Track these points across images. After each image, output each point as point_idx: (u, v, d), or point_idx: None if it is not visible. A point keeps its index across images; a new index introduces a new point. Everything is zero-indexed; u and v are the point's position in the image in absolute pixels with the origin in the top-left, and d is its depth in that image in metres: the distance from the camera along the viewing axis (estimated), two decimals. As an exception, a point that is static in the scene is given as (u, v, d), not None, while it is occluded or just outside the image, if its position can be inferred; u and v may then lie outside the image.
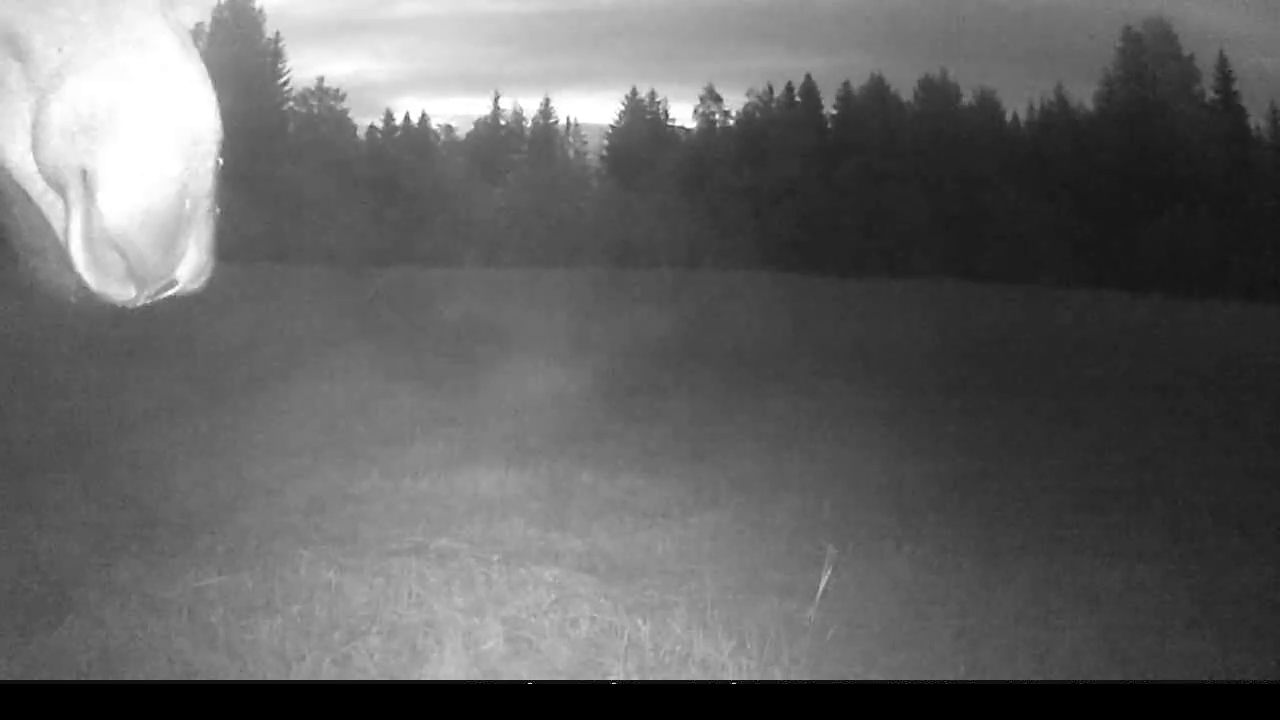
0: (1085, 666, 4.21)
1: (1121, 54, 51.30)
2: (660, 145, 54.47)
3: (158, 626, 4.21)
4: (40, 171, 0.92)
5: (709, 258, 42.09)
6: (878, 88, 55.09)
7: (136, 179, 0.89)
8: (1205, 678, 4.16)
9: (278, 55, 53.74)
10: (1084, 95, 53.36)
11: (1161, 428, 10.15)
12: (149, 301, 0.97)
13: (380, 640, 4.12)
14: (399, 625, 4.26)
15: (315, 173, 43.24)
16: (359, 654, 4.03)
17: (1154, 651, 4.36)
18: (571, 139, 58.52)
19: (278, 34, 53.71)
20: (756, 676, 3.96)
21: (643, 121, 57.14)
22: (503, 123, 57.84)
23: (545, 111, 57.79)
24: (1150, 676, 4.15)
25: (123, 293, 0.95)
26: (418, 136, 56.78)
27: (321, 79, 55.02)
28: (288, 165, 44.05)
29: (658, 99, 57.60)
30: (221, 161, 0.94)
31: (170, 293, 0.99)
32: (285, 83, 53.78)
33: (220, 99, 0.96)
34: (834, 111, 55.78)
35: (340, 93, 55.08)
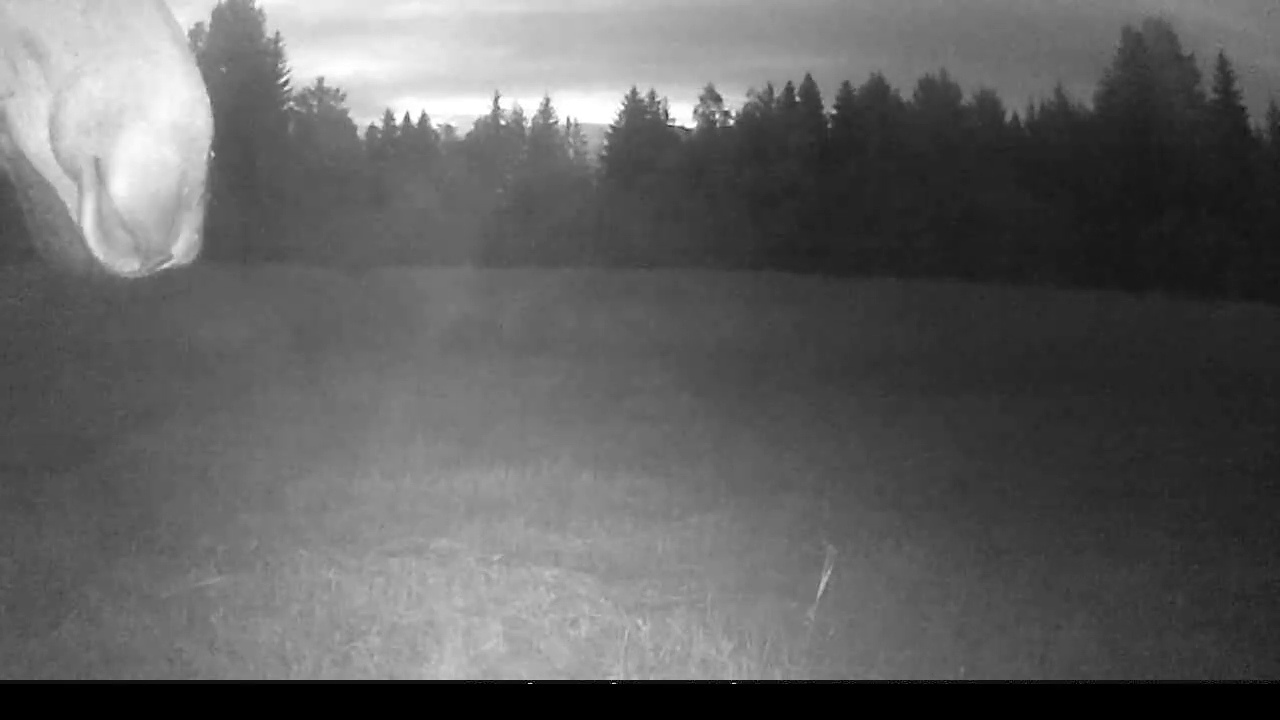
0: (1085, 666, 4.21)
1: (1121, 54, 51.28)
2: (660, 145, 54.44)
3: (158, 626, 4.21)
4: (57, 160, 1.06)
5: (709, 258, 42.07)
6: (878, 88, 55.07)
7: (143, 168, 1.03)
8: (1205, 678, 4.16)
9: (278, 55, 53.74)
10: (1084, 95, 53.37)
11: (1162, 428, 10.15)
12: (147, 274, 1.11)
13: (380, 640, 4.12)
14: (399, 625, 4.26)
15: (315, 173, 43.25)
16: (359, 654, 4.03)
17: (1154, 651, 4.36)
18: (571, 139, 58.52)
19: (278, 34, 53.71)
20: (756, 676, 3.96)
21: (643, 121, 57.11)
22: (503, 123, 57.83)
23: (545, 111, 57.79)
24: (1150, 676, 4.15)
25: (128, 265, 1.08)
26: (418, 136, 56.77)
27: (321, 79, 55.04)
28: (287, 165, 44.06)
29: (658, 99, 57.60)
30: (213, 154, 1.09)
31: (166, 266, 1.13)
32: (285, 83, 53.79)
33: (220, 99, 1.10)
34: (834, 111, 55.78)
35: (340, 93, 55.08)
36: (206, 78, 1.10)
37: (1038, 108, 53.70)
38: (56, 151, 1.05)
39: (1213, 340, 21.77)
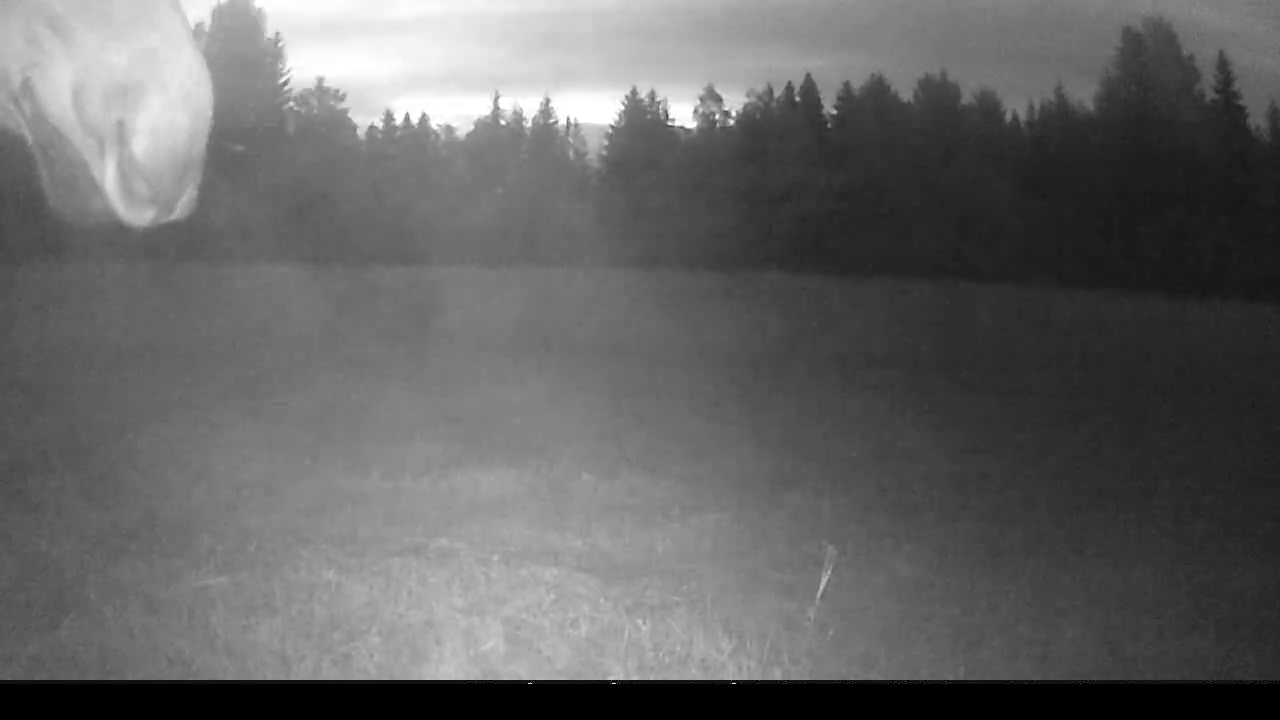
0: (1085, 666, 4.20)
1: (1121, 54, 51.26)
2: (660, 145, 54.41)
3: (158, 626, 4.20)
4: (81, 124, 1.22)
5: (709, 258, 42.04)
6: (878, 88, 55.05)
7: (160, 131, 1.21)
8: (1205, 678, 4.15)
9: (278, 55, 53.71)
10: (1084, 95, 53.33)
11: (1162, 428, 10.15)
12: (153, 224, 1.28)
13: (380, 640, 4.12)
14: (399, 625, 4.26)
15: (315, 173, 43.23)
16: (359, 654, 4.03)
17: (1154, 651, 4.36)
18: (571, 139, 58.47)
19: (278, 34, 53.68)
20: (756, 676, 3.96)
21: (643, 121, 57.08)
22: (503, 123, 57.78)
23: (545, 111, 57.73)
24: (1150, 676, 4.14)
25: (144, 215, 1.26)
26: (418, 136, 56.74)
27: (321, 79, 55.00)
28: (287, 165, 44.06)
29: (658, 99, 57.52)
30: (213, 120, 1.27)
31: (170, 218, 1.30)
32: (285, 83, 53.76)
33: (220, 99, 1.27)
34: (834, 111, 55.77)
35: (340, 93, 55.01)
36: None
37: (1038, 108, 53.71)
38: (82, 117, 1.21)
39: (1213, 340, 21.77)
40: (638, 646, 4.12)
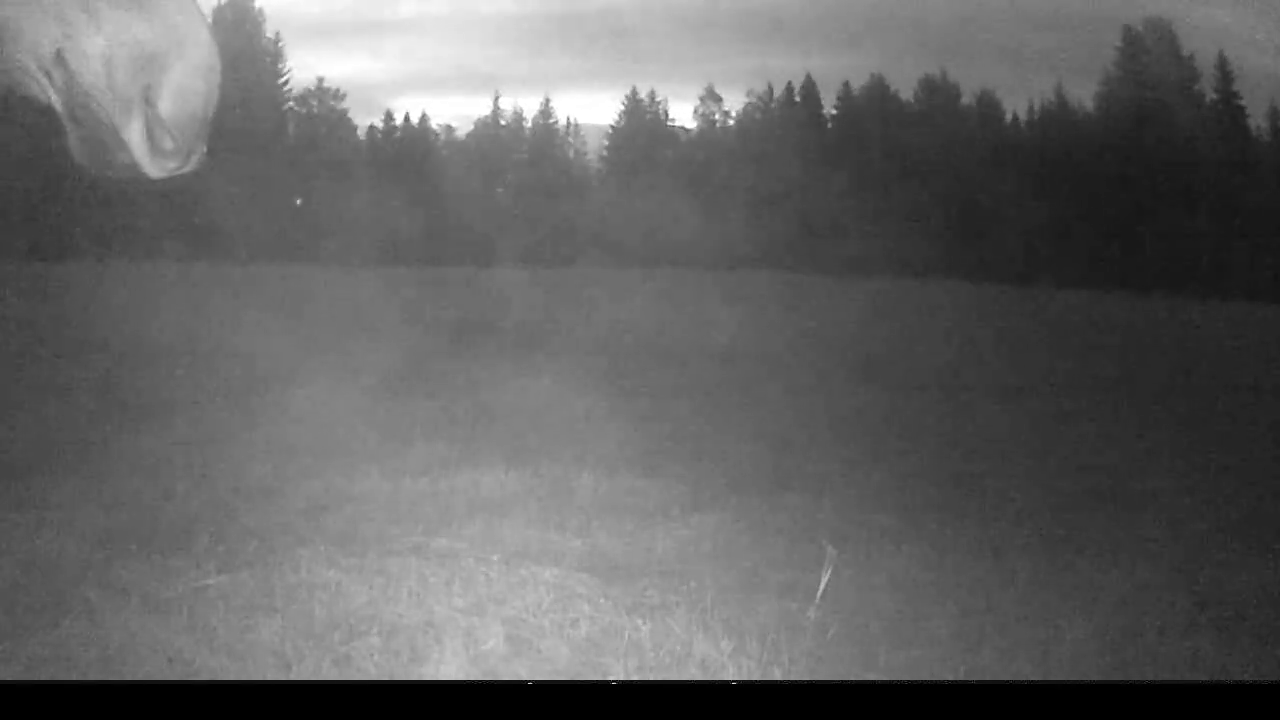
0: (1085, 666, 4.20)
1: (1121, 54, 51.28)
2: (660, 145, 54.45)
3: (158, 626, 4.20)
4: (111, 89, 1.44)
5: (709, 258, 42.04)
6: (878, 88, 55.08)
7: (182, 94, 1.45)
8: (1205, 678, 4.16)
9: (278, 55, 53.73)
10: (1084, 95, 53.38)
11: (1162, 428, 10.16)
12: (172, 174, 1.51)
13: (380, 640, 4.12)
14: (399, 625, 4.26)
15: (315, 173, 43.25)
16: (359, 654, 4.03)
17: (1154, 651, 4.36)
18: (571, 139, 58.50)
19: (278, 34, 53.72)
20: (756, 676, 3.96)
21: (643, 121, 57.10)
22: (503, 123, 57.81)
23: (545, 111, 57.78)
24: (1150, 676, 4.14)
25: (165, 167, 1.49)
26: (418, 136, 56.74)
27: (321, 79, 55.03)
28: (287, 165, 44.05)
29: (658, 99, 57.59)
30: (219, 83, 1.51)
31: (184, 170, 1.52)
32: (285, 83, 53.78)
33: (220, 99, 1.51)
34: (834, 111, 55.78)
35: (340, 93, 55.07)
36: None
37: (1038, 108, 53.75)
38: (112, 83, 1.43)
39: (1213, 340, 21.78)
40: (638, 646, 4.12)
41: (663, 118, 57.92)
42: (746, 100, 56.98)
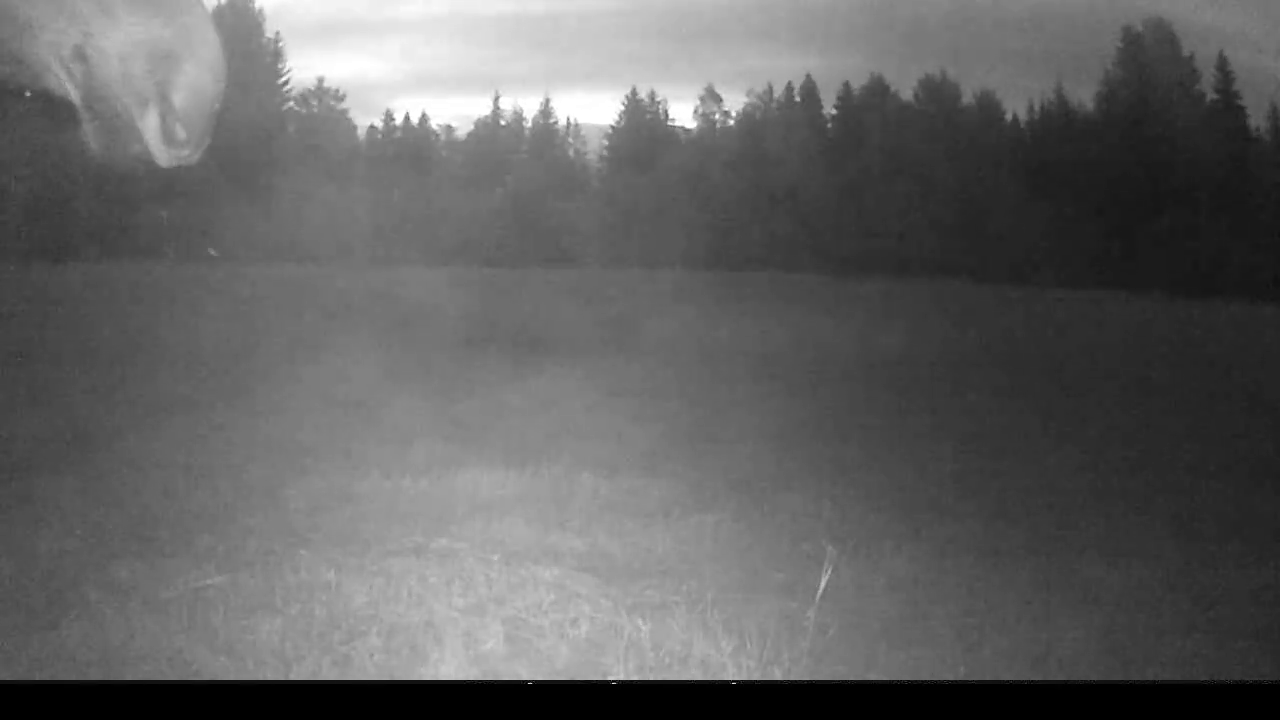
0: (1085, 666, 4.20)
1: (1121, 54, 51.29)
2: (660, 145, 54.44)
3: (158, 626, 4.20)
4: (128, 84, 1.56)
5: (709, 258, 42.05)
6: (878, 88, 55.10)
7: (194, 90, 1.57)
8: (1205, 678, 4.16)
9: (278, 55, 53.75)
10: (1084, 95, 53.39)
11: (1162, 428, 10.16)
12: (178, 164, 1.62)
13: (380, 640, 4.12)
14: (399, 625, 4.25)
15: (315, 173, 43.25)
16: (359, 654, 4.03)
17: (1154, 651, 4.36)
18: (571, 139, 58.51)
19: (278, 34, 53.75)
20: (756, 676, 3.96)
21: (643, 121, 57.13)
22: (503, 123, 57.83)
23: (545, 111, 57.82)
24: (1150, 676, 4.14)
25: (176, 157, 1.61)
26: (418, 136, 56.75)
27: (321, 79, 55.05)
28: (287, 165, 44.05)
29: (658, 99, 57.64)
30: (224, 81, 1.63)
31: (192, 160, 1.63)
32: (285, 83, 53.78)
33: (223, 97, 1.63)
34: (834, 111, 55.80)
35: (340, 93, 55.10)
36: None
37: (1038, 108, 53.76)
38: (129, 78, 1.56)
39: (1213, 340, 21.78)
40: (638, 646, 4.12)
41: (663, 118, 57.97)
42: (746, 100, 57.04)
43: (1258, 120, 49.41)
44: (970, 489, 7.22)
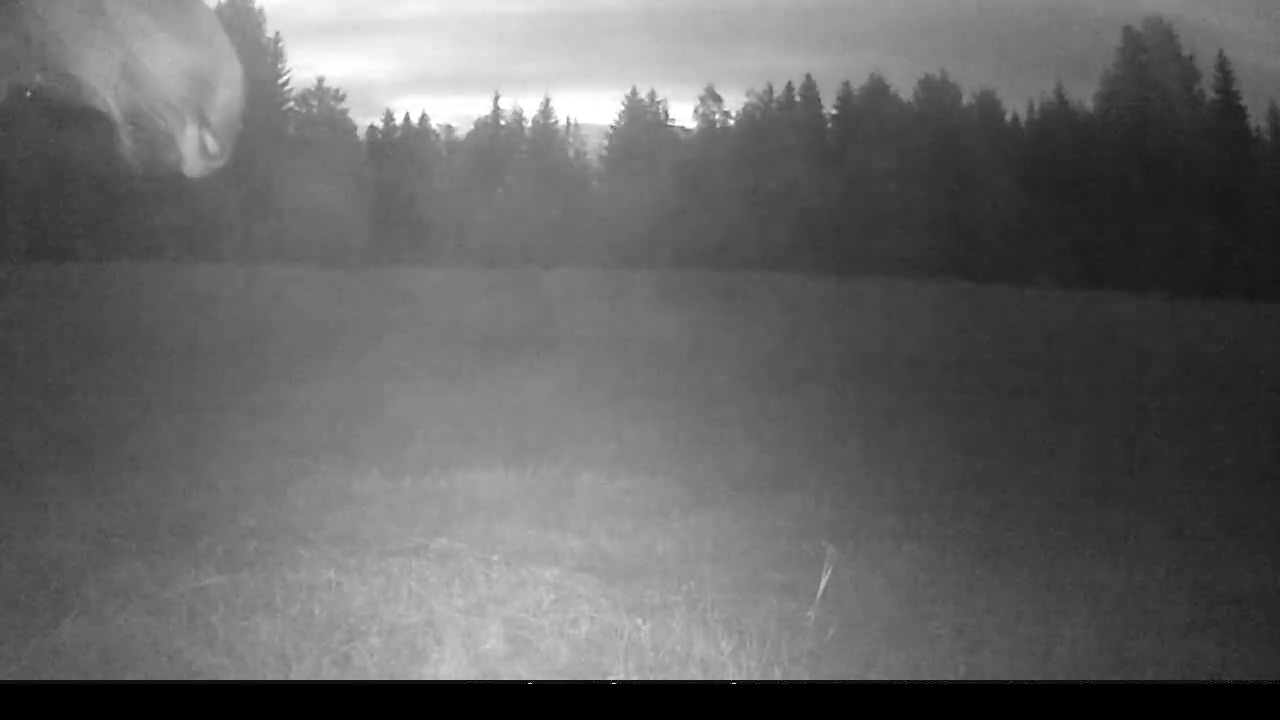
0: (1085, 666, 4.20)
1: (1121, 54, 51.26)
2: (660, 145, 54.41)
3: (158, 626, 4.20)
4: (167, 103, 1.82)
5: (709, 258, 42.04)
6: (878, 88, 55.06)
7: (224, 108, 1.83)
8: (1205, 678, 4.15)
9: (278, 55, 53.71)
10: (1084, 95, 53.36)
11: (1162, 428, 10.15)
12: (205, 172, 1.89)
13: (380, 640, 4.12)
14: (399, 625, 4.25)
15: (315, 173, 43.24)
16: (359, 654, 4.03)
17: (1154, 651, 4.36)
18: (571, 139, 58.46)
19: (278, 34, 53.71)
20: (756, 676, 3.96)
21: (643, 121, 57.09)
22: (503, 123, 57.78)
23: (545, 111, 57.74)
24: (1150, 676, 4.14)
25: (206, 166, 1.86)
26: (418, 136, 56.71)
27: (321, 79, 55.01)
28: (288, 165, 44.04)
29: (658, 99, 57.56)
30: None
31: (215, 168, 1.89)
32: (285, 83, 53.75)
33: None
34: (834, 111, 55.77)
35: (340, 93, 55.02)
36: None
37: (1038, 108, 53.71)
38: (168, 98, 1.81)
39: (1213, 340, 21.78)
40: (638, 646, 4.12)
41: (663, 118, 57.92)
42: (746, 100, 56.99)
43: (1258, 120, 49.41)
44: (970, 489, 7.22)
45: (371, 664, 3.98)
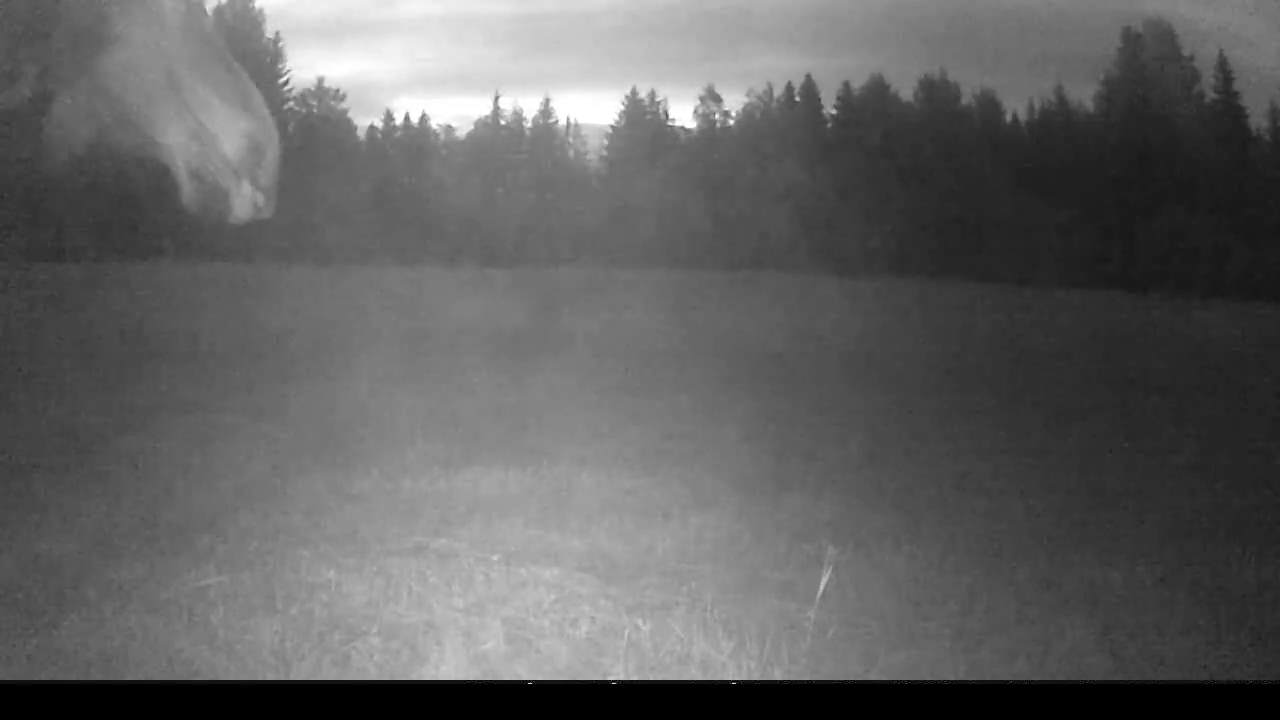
0: (1085, 666, 4.20)
1: (1121, 54, 51.29)
2: (660, 145, 54.45)
3: (158, 626, 4.20)
4: (227, 168, 2.38)
5: (709, 258, 42.05)
6: (878, 88, 55.10)
7: (271, 172, 2.44)
8: (1205, 678, 4.15)
9: (278, 55, 53.78)
10: (1084, 95, 53.43)
11: (1162, 428, 10.15)
12: (248, 220, 2.49)
13: (380, 640, 4.12)
14: (399, 625, 4.25)
15: (315, 173, 43.22)
16: (359, 654, 4.03)
17: (1154, 651, 4.36)
18: (571, 139, 58.50)
19: (278, 34, 53.79)
20: (756, 676, 3.96)
21: (643, 121, 57.13)
22: (503, 123, 57.81)
23: (545, 111, 57.80)
24: (1150, 676, 4.14)
25: (252, 215, 2.43)
26: (418, 136, 56.73)
27: (321, 79, 55.11)
28: (287, 165, 44.00)
29: (658, 99, 57.64)
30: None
31: (258, 218, 2.49)
32: (285, 83, 53.79)
33: None
34: (834, 111, 55.80)
35: (340, 93, 55.13)
36: None
37: (1038, 108, 53.75)
38: (228, 163, 2.34)
39: (1212, 340, 21.78)
40: (638, 646, 4.12)
41: (663, 118, 57.97)
42: (746, 100, 57.07)
43: (1258, 120, 49.43)
44: (970, 489, 7.22)
45: (371, 664, 3.98)
